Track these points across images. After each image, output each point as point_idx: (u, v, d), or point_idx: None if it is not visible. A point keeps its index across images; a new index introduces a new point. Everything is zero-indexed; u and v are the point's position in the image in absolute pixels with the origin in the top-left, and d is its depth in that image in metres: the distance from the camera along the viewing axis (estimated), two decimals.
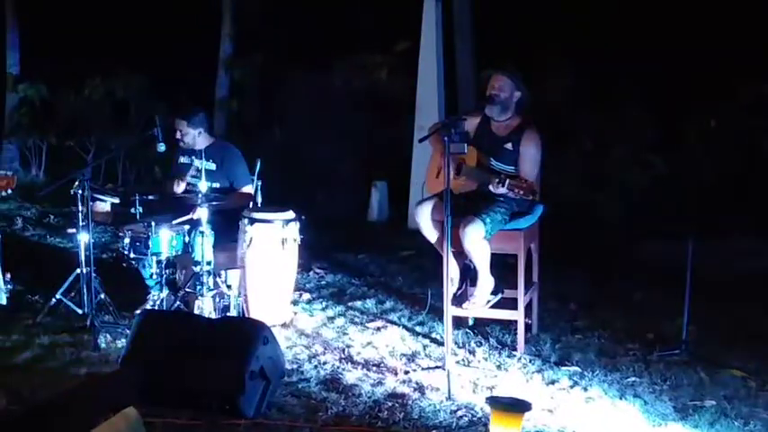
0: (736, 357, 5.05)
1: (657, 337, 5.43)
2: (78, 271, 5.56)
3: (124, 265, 6.78)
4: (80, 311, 5.55)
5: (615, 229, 7.91)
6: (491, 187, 4.92)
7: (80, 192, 5.44)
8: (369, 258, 7.69)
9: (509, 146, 5.23)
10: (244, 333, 4.38)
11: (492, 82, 5.28)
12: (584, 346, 5.33)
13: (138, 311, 5.48)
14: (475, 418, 4.25)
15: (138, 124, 10.72)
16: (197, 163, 5.91)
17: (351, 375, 4.83)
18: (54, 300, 5.63)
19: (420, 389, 4.63)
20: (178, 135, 6.04)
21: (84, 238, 5.47)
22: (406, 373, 4.87)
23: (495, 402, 3.86)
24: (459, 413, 4.31)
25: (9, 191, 5.56)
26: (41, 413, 2.17)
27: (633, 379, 4.77)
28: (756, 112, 8.36)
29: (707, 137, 6.93)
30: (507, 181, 4.79)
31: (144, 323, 4.46)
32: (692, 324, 5.19)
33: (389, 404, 4.42)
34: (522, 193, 4.80)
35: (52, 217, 9.02)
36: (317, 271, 7.18)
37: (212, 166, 6.01)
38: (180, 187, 6.06)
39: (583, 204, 8.35)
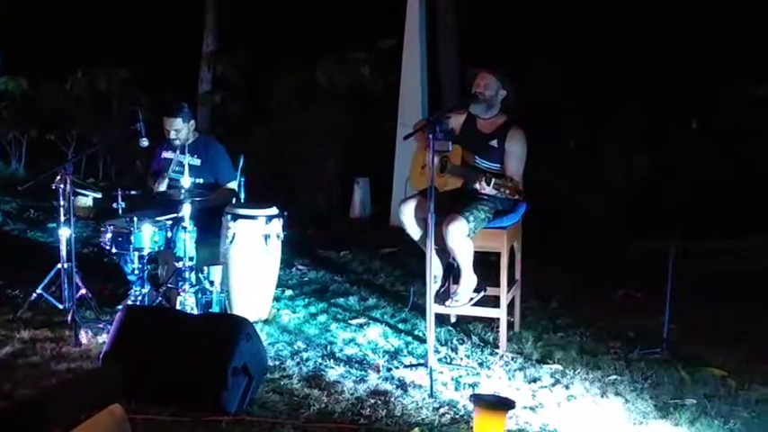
0: (716, 356, 5.07)
1: (639, 335, 5.46)
2: (59, 266, 5.53)
3: (105, 260, 6.78)
4: (61, 306, 5.52)
5: (599, 228, 7.94)
6: (476, 186, 4.92)
7: (62, 186, 5.40)
8: (351, 255, 7.68)
9: (494, 143, 5.23)
10: (226, 329, 4.36)
11: (477, 80, 5.29)
12: (566, 345, 5.34)
13: (119, 307, 5.47)
14: (457, 416, 4.25)
15: (121, 119, 10.65)
16: (181, 158, 5.88)
17: (333, 372, 4.83)
18: (35, 294, 5.59)
19: (402, 386, 4.63)
20: (172, 135, 5.98)
21: (65, 232, 5.43)
22: (389, 370, 4.87)
23: (479, 400, 3.86)
24: (442, 411, 4.31)
25: None
26: (26, 409, 2.15)
27: (614, 377, 4.79)
28: (742, 113, 8.42)
29: (692, 137, 6.97)
30: (493, 180, 4.79)
31: (126, 319, 4.44)
32: (674, 323, 5.23)
33: (372, 401, 4.42)
34: (507, 192, 4.81)
35: (32, 211, 8.95)
36: (300, 267, 7.17)
37: (197, 162, 5.98)
38: (162, 186, 6.02)
39: (567, 203, 8.38)
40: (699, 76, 8.59)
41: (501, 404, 3.84)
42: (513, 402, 3.90)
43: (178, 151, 6.00)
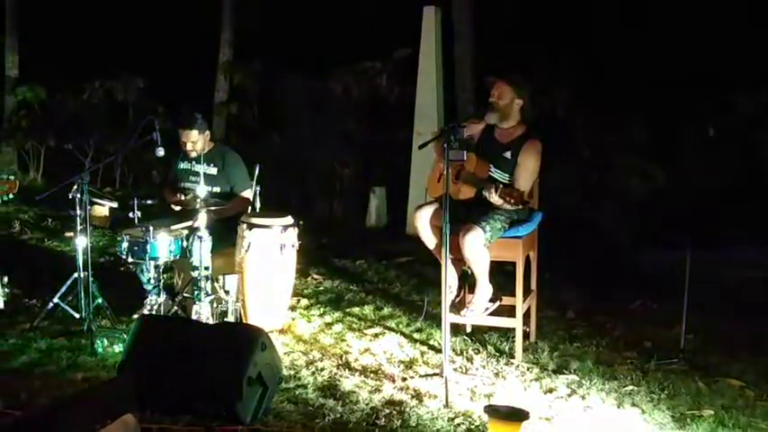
0: (734, 367, 5.04)
1: (655, 345, 5.43)
2: (76, 275, 5.55)
3: (122, 269, 6.80)
4: (77, 316, 5.54)
5: (614, 238, 7.91)
6: (485, 194, 4.93)
7: (78, 196, 5.44)
8: (367, 264, 7.68)
9: (508, 155, 5.22)
10: (242, 339, 4.36)
11: (493, 89, 5.29)
12: (582, 355, 5.32)
13: (135, 316, 5.49)
14: (472, 427, 4.23)
15: (137, 128, 10.70)
16: (198, 168, 5.90)
17: (348, 382, 4.82)
18: (51, 304, 5.61)
19: (417, 396, 4.61)
20: (188, 146, 6.02)
21: (81, 242, 5.46)
22: (404, 380, 4.86)
23: (493, 411, 3.84)
24: (457, 421, 4.30)
25: (11, 195, 5.54)
26: (40, 419, 2.16)
27: (631, 388, 4.76)
28: (755, 123, 8.37)
29: (705, 147, 6.95)
30: (500, 190, 4.79)
31: (142, 329, 4.45)
32: (690, 333, 5.19)
33: (387, 411, 4.41)
34: (512, 202, 4.79)
35: (50, 220, 9.01)
36: (315, 277, 7.18)
37: (213, 171, 6.01)
38: (176, 197, 6.03)
39: (581, 213, 8.35)
40: (714, 83, 8.54)
41: (515, 415, 3.81)
42: (528, 413, 3.88)
43: (195, 162, 6.02)
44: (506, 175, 5.19)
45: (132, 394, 2.72)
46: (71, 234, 5.63)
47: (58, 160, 11.56)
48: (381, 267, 7.58)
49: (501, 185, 4.80)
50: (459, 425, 4.25)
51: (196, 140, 6.01)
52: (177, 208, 6.04)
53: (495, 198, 4.82)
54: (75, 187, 5.43)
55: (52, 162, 11.74)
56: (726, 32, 8.81)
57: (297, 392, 4.63)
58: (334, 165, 10.10)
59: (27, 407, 4.12)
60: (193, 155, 6.01)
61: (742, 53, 8.60)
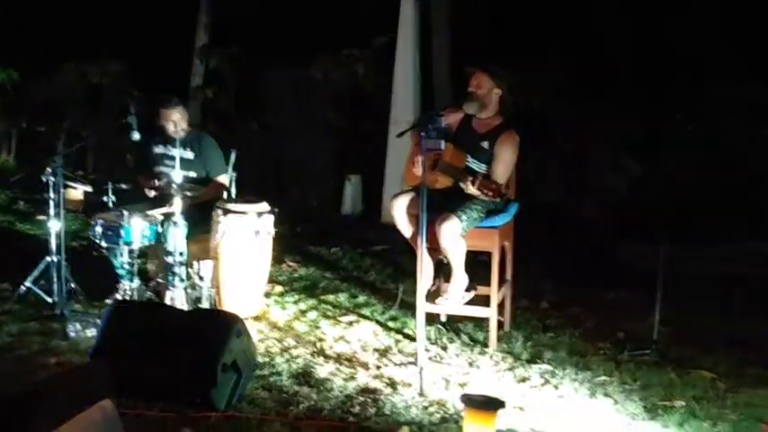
0: (706, 359, 5.09)
1: (628, 336, 5.47)
2: (48, 259, 5.50)
3: (94, 253, 6.73)
4: (49, 300, 5.49)
5: (591, 230, 7.95)
6: (462, 185, 4.94)
7: (52, 179, 5.38)
8: (342, 252, 7.67)
9: (485, 144, 5.23)
10: (217, 325, 4.34)
11: (472, 79, 5.29)
12: (556, 345, 5.35)
13: (108, 301, 5.44)
14: (447, 415, 4.25)
15: (111, 111, 10.60)
16: (173, 152, 5.86)
17: (323, 369, 4.81)
18: (23, 288, 5.56)
19: (392, 384, 4.62)
20: (171, 127, 5.97)
21: (55, 225, 5.40)
22: (378, 368, 4.86)
23: (469, 400, 3.85)
24: (431, 409, 4.31)
25: None
26: (14, 404, 2.13)
27: (604, 378, 4.79)
28: (734, 115, 8.44)
29: (684, 141, 6.99)
30: (477, 182, 4.79)
31: (116, 314, 4.41)
32: (664, 325, 5.23)
33: (361, 399, 4.41)
34: (490, 194, 4.80)
35: (22, 203, 8.91)
36: (290, 264, 7.15)
37: (189, 155, 5.97)
38: (152, 182, 5.98)
39: (558, 204, 8.39)
40: (692, 78, 8.59)
41: (491, 404, 3.82)
42: (503, 402, 3.89)
43: (170, 145, 5.97)
44: (483, 165, 5.20)
45: (109, 379, 2.70)
46: (44, 217, 5.57)
47: (30, 143, 11.42)
48: (356, 255, 7.57)
49: (479, 177, 4.80)
50: (433, 413, 4.27)
51: (178, 120, 5.97)
52: (152, 193, 5.98)
53: (472, 189, 4.83)
54: (49, 170, 5.37)
55: (25, 144, 11.59)
56: (703, 25, 8.85)
57: (271, 380, 4.62)
58: (310, 152, 10.05)
59: (1, 393, 4.08)
60: (176, 136, 5.95)
61: (719, 46, 8.64)
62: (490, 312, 5.23)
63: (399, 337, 5.44)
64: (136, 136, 5.65)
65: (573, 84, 8.96)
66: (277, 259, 6.82)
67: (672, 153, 7.08)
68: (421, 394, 4.48)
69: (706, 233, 7.35)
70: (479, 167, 5.19)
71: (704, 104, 8.43)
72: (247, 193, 6.29)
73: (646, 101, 8.63)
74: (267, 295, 6.10)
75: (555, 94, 9.10)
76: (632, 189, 8.37)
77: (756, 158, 8.34)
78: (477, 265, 5.50)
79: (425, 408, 4.33)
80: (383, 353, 5.13)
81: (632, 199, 8.21)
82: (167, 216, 5.58)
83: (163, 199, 5.76)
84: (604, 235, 7.78)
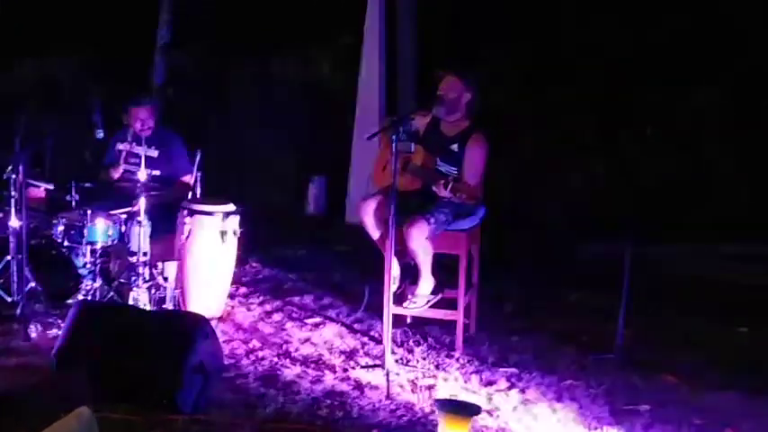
0: (670, 363, 5.13)
1: (592, 339, 5.50)
2: (8, 257, 5.40)
3: (53, 252, 6.61)
4: (9, 299, 5.39)
5: (553, 232, 8.00)
6: (434, 189, 4.93)
7: (13, 176, 5.29)
8: (306, 253, 7.63)
9: (455, 147, 5.23)
10: (184, 327, 4.30)
11: (442, 82, 5.29)
12: (522, 348, 5.36)
13: (70, 301, 5.36)
14: (414, 419, 4.24)
15: (71, 107, 10.44)
16: (137, 150, 5.79)
17: (289, 372, 4.79)
18: None
19: (359, 387, 4.61)
20: (139, 125, 5.90)
21: (16, 224, 5.31)
22: (345, 370, 4.84)
23: (445, 406, 3.84)
24: (399, 413, 4.30)
25: None
26: None
27: (569, 381, 4.81)
28: (696, 118, 8.55)
29: (645, 141, 7.03)
30: (450, 185, 4.79)
31: (80, 314, 4.34)
32: (628, 328, 5.27)
33: (329, 402, 4.40)
34: (464, 197, 4.80)
35: None
36: (254, 264, 7.10)
37: (154, 153, 5.90)
38: (117, 173, 5.92)
39: (521, 207, 8.42)
40: (654, 81, 8.67)
41: (467, 409, 3.82)
42: (479, 408, 3.89)
43: (135, 143, 5.90)
44: (453, 168, 5.20)
45: (86, 385, 2.65)
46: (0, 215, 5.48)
47: None
48: (321, 256, 7.54)
49: (451, 181, 4.79)
50: (401, 416, 4.26)
51: (146, 119, 5.90)
52: (116, 176, 5.89)
53: (445, 192, 4.81)
54: (11, 168, 5.28)
55: None
56: (673, 28, 8.93)
57: (237, 382, 4.59)
58: (274, 151, 9.99)
59: None
60: (143, 134, 5.88)
61: (686, 49, 8.73)
62: (457, 315, 5.24)
63: (365, 339, 5.43)
64: (100, 134, 5.58)
65: (531, 82, 9.01)
66: (240, 259, 6.76)
67: (634, 154, 7.14)
68: (388, 397, 4.47)
69: (669, 234, 7.43)
70: (449, 171, 5.19)
71: (669, 106, 8.53)
72: (209, 192, 6.22)
73: (608, 100, 8.70)
74: (231, 296, 6.03)
75: (518, 94, 9.15)
76: (595, 190, 8.43)
77: (720, 159, 8.45)
78: (442, 269, 5.50)
79: (393, 411, 4.32)
80: (349, 355, 5.12)
81: (593, 199, 8.28)
82: (131, 215, 5.51)
83: (127, 198, 5.68)
84: (568, 237, 7.83)
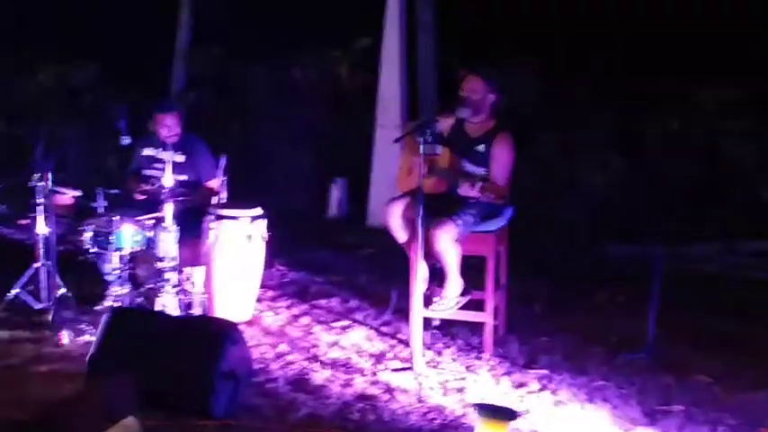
0: (701, 362, 5.09)
1: (622, 339, 5.45)
2: (37, 264, 5.42)
3: (80, 258, 6.64)
4: (38, 306, 5.41)
5: (580, 232, 7.95)
6: (461, 190, 4.91)
7: (40, 184, 5.31)
8: (330, 256, 7.63)
9: (481, 148, 5.21)
10: (214, 332, 4.30)
11: (465, 83, 5.27)
12: (551, 349, 5.33)
13: (99, 307, 5.37)
14: (446, 421, 4.23)
15: (92, 114, 10.49)
16: (165, 155, 5.80)
17: (319, 376, 4.78)
18: (12, 294, 5.47)
19: (389, 390, 4.60)
20: (165, 132, 5.91)
21: (44, 230, 5.33)
22: (374, 374, 4.83)
23: (483, 409, 3.80)
24: (431, 416, 4.29)
25: None
26: (40, 423, 2.08)
27: (601, 382, 4.78)
28: (720, 116, 8.47)
29: (670, 140, 7.01)
30: (479, 184, 4.76)
31: (113, 321, 4.34)
32: (657, 327, 5.23)
33: (360, 406, 4.38)
34: (493, 197, 4.78)
35: (4, 207, 8.76)
36: (280, 268, 7.10)
37: (181, 158, 5.90)
38: (142, 189, 5.92)
39: (546, 207, 8.38)
40: (677, 77, 8.61)
41: (505, 414, 3.79)
42: (518, 413, 3.86)
43: (161, 149, 5.91)
44: (481, 169, 5.17)
45: (133, 395, 2.64)
46: (26, 222, 5.50)
47: (8, 146, 11.25)
48: (345, 259, 7.53)
49: (481, 182, 4.76)
50: (433, 419, 4.25)
51: (173, 125, 5.91)
52: (142, 197, 5.91)
53: (474, 192, 4.78)
54: (38, 175, 5.30)
55: (2, 147, 11.43)
56: (693, 27, 8.87)
57: (267, 386, 4.58)
58: (295, 155, 10.00)
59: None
60: (169, 140, 5.89)
61: (706, 46, 8.67)
62: (486, 317, 5.21)
63: (394, 342, 5.41)
64: (126, 140, 5.58)
65: (556, 82, 8.96)
66: (266, 263, 6.77)
67: (660, 153, 7.09)
68: (419, 400, 4.46)
69: (697, 233, 7.38)
70: (476, 171, 5.17)
71: (691, 105, 8.47)
72: (231, 196, 6.23)
73: (630, 97, 8.64)
74: (259, 300, 6.03)
75: (539, 93, 9.10)
76: (619, 188, 8.37)
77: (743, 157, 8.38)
78: (469, 270, 5.48)
79: (425, 414, 4.31)
80: (378, 358, 5.10)
81: (621, 199, 8.23)
82: (158, 221, 5.52)
83: (154, 203, 5.69)
84: (595, 236, 7.79)
